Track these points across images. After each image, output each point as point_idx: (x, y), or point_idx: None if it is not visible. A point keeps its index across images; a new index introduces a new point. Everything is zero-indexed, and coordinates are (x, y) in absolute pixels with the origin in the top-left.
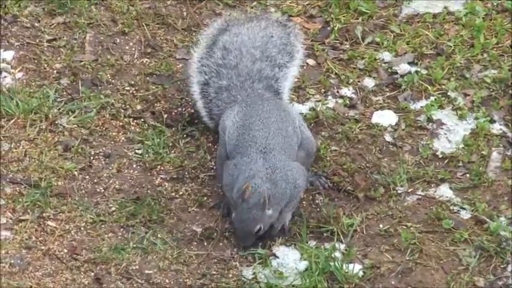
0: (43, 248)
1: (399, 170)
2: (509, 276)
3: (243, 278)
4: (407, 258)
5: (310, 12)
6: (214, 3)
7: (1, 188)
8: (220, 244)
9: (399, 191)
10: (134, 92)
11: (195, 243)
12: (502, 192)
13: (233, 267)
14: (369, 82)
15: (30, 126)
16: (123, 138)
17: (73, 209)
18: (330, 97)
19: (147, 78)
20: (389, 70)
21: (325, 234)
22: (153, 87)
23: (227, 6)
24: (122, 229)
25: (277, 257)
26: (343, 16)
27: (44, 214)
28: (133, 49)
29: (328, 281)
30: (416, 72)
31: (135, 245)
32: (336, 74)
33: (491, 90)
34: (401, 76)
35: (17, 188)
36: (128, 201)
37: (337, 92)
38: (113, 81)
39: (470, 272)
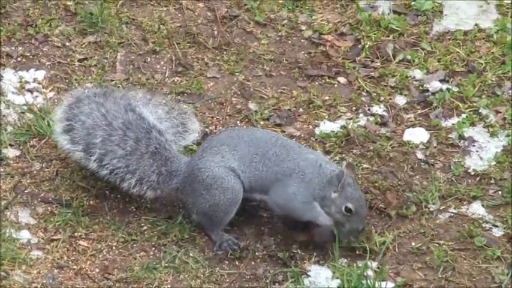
0: (75, 267)
1: (431, 188)
2: None
3: None
4: (440, 276)
5: (341, 30)
6: (245, 21)
7: (33, 207)
8: (252, 263)
9: (431, 209)
10: None
11: (227, 262)
12: None
13: (265, 286)
14: (400, 100)
15: None
16: None
17: (105, 228)
18: (361, 115)
19: (178, 96)
20: (421, 88)
21: (357, 252)
22: (184, 106)
23: (258, 24)
24: (153, 248)
25: (309, 276)
26: (374, 34)
27: (76, 233)
28: (164, 68)
29: None
30: (448, 89)
31: (167, 264)
32: (367, 91)
33: None
34: (433, 93)
35: (49, 208)
36: (160, 220)
37: (369, 109)
38: None
39: None
